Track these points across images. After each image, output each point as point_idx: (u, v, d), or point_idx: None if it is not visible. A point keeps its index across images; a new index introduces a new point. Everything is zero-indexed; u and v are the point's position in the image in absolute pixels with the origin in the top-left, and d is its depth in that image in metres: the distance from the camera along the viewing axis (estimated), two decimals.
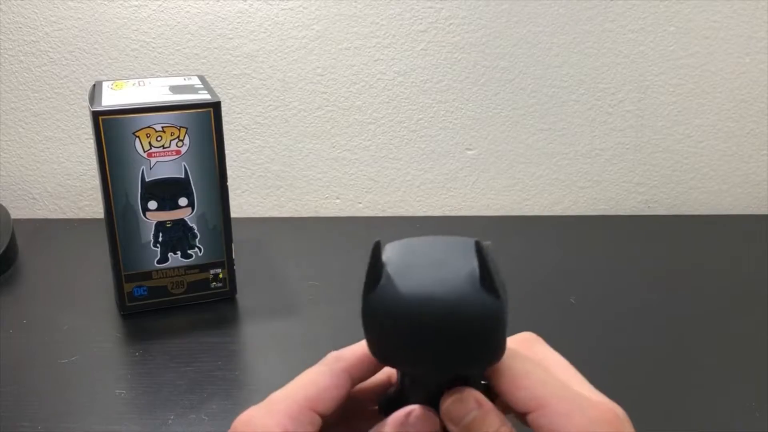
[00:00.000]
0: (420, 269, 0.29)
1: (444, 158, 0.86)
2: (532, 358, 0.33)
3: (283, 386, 0.32)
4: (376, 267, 0.29)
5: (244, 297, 0.66)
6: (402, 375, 0.33)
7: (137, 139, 0.58)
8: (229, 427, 0.32)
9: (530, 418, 0.30)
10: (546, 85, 0.83)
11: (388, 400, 0.33)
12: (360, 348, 0.34)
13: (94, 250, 0.71)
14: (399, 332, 0.29)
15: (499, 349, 0.30)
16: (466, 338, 0.29)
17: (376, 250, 0.29)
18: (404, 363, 0.31)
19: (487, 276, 0.29)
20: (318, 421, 0.31)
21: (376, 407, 0.34)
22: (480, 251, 0.28)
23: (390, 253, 0.31)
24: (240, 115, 0.83)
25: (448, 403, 0.31)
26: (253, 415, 0.31)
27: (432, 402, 0.32)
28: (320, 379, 0.32)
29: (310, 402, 0.31)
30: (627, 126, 0.86)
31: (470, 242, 0.30)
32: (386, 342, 0.31)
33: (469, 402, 0.31)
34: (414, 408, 0.32)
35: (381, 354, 0.31)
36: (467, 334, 0.29)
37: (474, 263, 0.29)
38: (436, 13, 0.80)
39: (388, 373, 0.36)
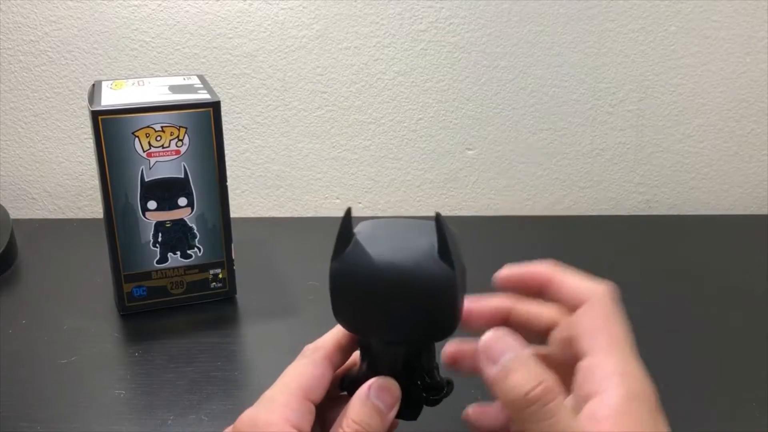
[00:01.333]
0: (385, 240, 0.32)
1: (444, 158, 0.86)
2: (617, 313, 0.33)
3: (272, 385, 0.34)
4: (345, 234, 0.32)
5: (243, 297, 0.66)
6: (363, 353, 0.35)
7: (137, 139, 0.58)
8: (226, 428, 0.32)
9: (585, 363, 0.31)
10: (546, 84, 0.83)
11: (351, 381, 0.36)
12: (333, 335, 0.36)
13: (93, 250, 0.70)
14: (360, 296, 0.32)
15: (453, 318, 0.32)
16: (421, 303, 0.31)
17: (347, 217, 0.32)
18: (364, 327, 0.34)
19: (443, 247, 0.31)
20: (313, 409, 0.33)
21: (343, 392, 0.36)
22: (439, 223, 0.31)
23: (361, 228, 0.33)
24: (240, 115, 0.83)
25: (486, 339, 0.31)
26: (255, 415, 0.32)
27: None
28: (307, 370, 0.34)
29: (304, 392, 0.33)
30: (627, 126, 0.85)
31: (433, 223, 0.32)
32: (349, 306, 0.33)
33: (508, 341, 0.31)
34: (373, 380, 0.33)
35: (345, 318, 0.34)
36: (422, 299, 0.31)
37: (434, 239, 0.31)
38: (436, 13, 0.80)
39: (354, 360, 0.37)
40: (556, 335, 0.36)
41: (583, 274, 0.34)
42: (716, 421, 0.50)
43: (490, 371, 0.30)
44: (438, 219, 0.31)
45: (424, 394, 0.35)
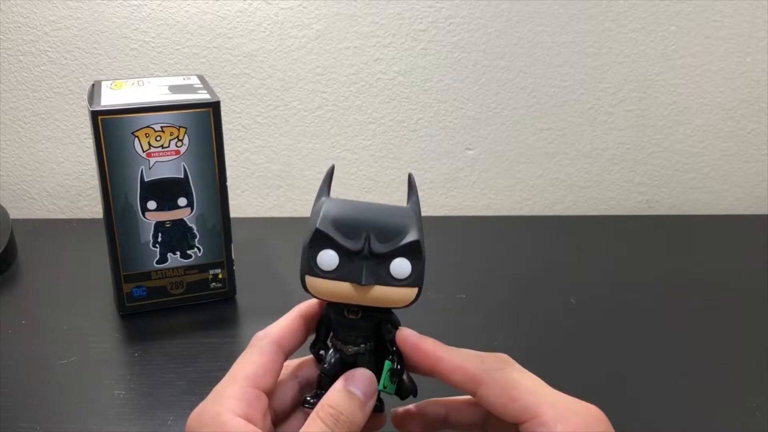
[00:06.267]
0: (358, 202, 0.35)
1: (444, 158, 0.86)
2: (517, 367, 0.33)
3: (226, 375, 0.34)
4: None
5: (243, 297, 0.66)
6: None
7: (136, 139, 0.58)
8: None
9: (524, 427, 0.31)
10: (546, 84, 0.83)
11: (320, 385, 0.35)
12: (284, 320, 0.36)
13: (93, 251, 0.70)
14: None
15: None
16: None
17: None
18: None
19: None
20: (263, 397, 0.33)
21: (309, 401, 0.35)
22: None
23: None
24: (239, 115, 0.83)
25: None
26: (202, 410, 0.32)
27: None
28: (253, 358, 0.34)
29: (250, 381, 0.33)
30: (628, 126, 0.85)
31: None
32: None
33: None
34: (348, 372, 0.34)
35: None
36: None
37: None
38: (436, 13, 0.80)
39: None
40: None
41: (469, 352, 0.34)
42: (716, 421, 0.50)
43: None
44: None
45: (398, 366, 0.35)
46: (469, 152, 0.86)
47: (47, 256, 0.75)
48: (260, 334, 0.35)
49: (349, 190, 0.86)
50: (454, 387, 0.33)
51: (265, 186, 0.86)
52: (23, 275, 0.71)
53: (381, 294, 0.33)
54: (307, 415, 0.33)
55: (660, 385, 0.54)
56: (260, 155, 0.85)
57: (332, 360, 0.35)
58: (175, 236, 0.61)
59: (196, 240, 0.62)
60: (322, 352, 0.36)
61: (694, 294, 0.68)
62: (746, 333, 0.61)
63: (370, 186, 0.86)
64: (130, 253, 0.61)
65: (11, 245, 0.73)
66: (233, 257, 0.64)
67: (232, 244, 0.64)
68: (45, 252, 0.76)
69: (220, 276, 0.64)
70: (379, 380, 0.34)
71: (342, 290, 0.33)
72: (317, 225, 0.33)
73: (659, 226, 0.84)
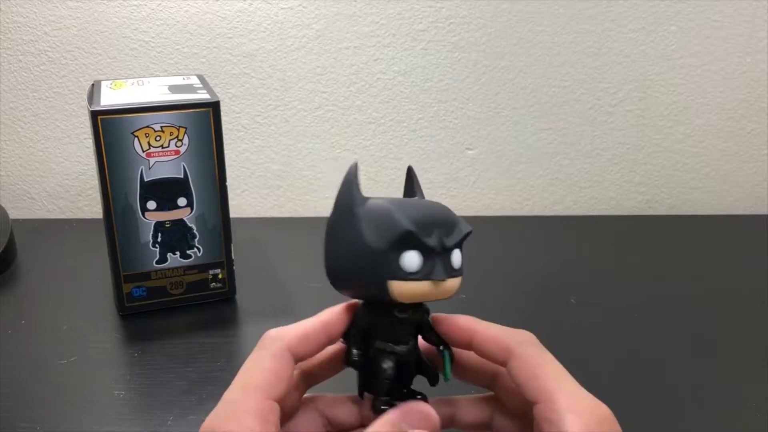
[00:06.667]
0: (406, 200, 0.34)
1: (444, 158, 0.86)
2: (544, 348, 0.33)
3: (234, 380, 0.32)
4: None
5: (243, 297, 0.66)
6: (358, 338, 0.34)
7: (136, 139, 0.57)
8: None
9: (538, 408, 0.31)
10: (546, 84, 0.83)
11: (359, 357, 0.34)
12: (303, 326, 0.33)
13: (92, 251, 0.70)
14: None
15: (325, 260, 0.32)
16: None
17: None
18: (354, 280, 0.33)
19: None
20: (276, 408, 0.31)
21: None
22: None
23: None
24: (239, 115, 0.83)
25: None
26: (215, 423, 0.30)
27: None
28: (265, 364, 0.32)
29: (264, 391, 0.31)
30: (628, 125, 0.85)
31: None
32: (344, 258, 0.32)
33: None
34: (405, 405, 0.32)
35: (335, 275, 0.33)
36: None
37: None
38: (436, 12, 0.80)
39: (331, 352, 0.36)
40: (501, 385, 0.36)
41: (501, 326, 0.34)
42: (716, 421, 0.50)
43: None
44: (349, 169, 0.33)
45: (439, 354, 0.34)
46: (469, 152, 0.86)
47: (47, 256, 0.75)
48: (272, 334, 0.33)
49: None
50: (486, 358, 0.34)
51: (265, 186, 0.86)
52: (23, 275, 0.71)
53: (448, 287, 0.32)
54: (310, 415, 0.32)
55: (660, 385, 0.54)
56: (260, 155, 0.85)
57: (390, 365, 0.33)
58: (174, 236, 0.61)
59: (196, 240, 0.62)
60: (356, 358, 0.34)
61: (694, 294, 0.68)
62: (746, 333, 0.61)
63: (370, 186, 0.86)
64: (129, 253, 0.61)
65: (11, 245, 0.73)
66: (233, 257, 0.64)
67: (232, 244, 0.64)
68: (45, 252, 0.76)
69: (220, 276, 0.64)
70: (440, 373, 0.34)
71: (423, 290, 0.32)
72: (406, 227, 0.31)
73: (659, 226, 0.84)
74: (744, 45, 0.82)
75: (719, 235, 0.81)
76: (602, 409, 0.31)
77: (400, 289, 0.31)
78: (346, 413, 0.36)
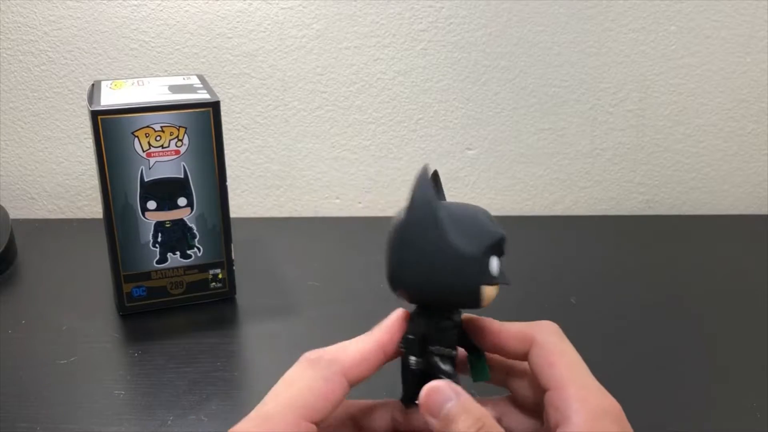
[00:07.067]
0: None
1: (444, 158, 0.86)
2: (566, 339, 0.33)
3: (274, 393, 0.30)
4: (435, 187, 0.33)
5: (243, 297, 0.66)
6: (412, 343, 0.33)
7: (136, 139, 0.57)
8: (227, 428, 0.32)
9: (548, 395, 0.31)
10: (547, 84, 0.83)
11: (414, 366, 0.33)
12: (355, 347, 0.32)
13: (93, 251, 0.70)
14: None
15: (394, 267, 0.32)
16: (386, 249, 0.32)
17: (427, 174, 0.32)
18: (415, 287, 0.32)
19: (409, 196, 0.32)
20: (314, 430, 0.30)
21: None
22: (418, 175, 0.32)
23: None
24: (239, 115, 0.83)
25: (423, 396, 0.31)
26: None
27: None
28: (315, 386, 0.30)
29: (306, 412, 0.29)
30: (628, 125, 0.85)
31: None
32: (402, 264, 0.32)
33: (445, 391, 0.30)
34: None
35: (396, 278, 0.32)
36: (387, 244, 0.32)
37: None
38: (436, 12, 0.80)
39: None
40: (514, 380, 0.36)
41: (521, 322, 0.35)
42: (716, 422, 0.50)
43: (434, 425, 0.30)
44: (419, 172, 0.32)
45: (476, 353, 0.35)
46: (469, 152, 0.86)
47: (47, 256, 0.75)
48: (329, 358, 0.31)
49: (348, 191, 0.86)
50: (508, 355, 0.34)
51: (265, 186, 0.86)
52: (23, 275, 0.71)
53: (497, 290, 0.33)
54: None
55: (660, 385, 0.54)
56: (260, 155, 0.85)
57: (451, 368, 0.33)
58: (175, 236, 0.61)
59: (196, 240, 0.62)
60: (414, 366, 0.33)
61: (695, 294, 0.68)
62: (746, 333, 0.61)
63: (370, 186, 0.86)
64: (130, 253, 0.61)
65: (11, 245, 0.73)
66: (233, 257, 0.64)
67: (232, 244, 0.64)
68: (45, 252, 0.76)
69: (220, 276, 0.64)
70: (478, 373, 0.35)
71: (495, 294, 0.32)
72: (502, 232, 0.31)
73: (659, 226, 0.84)
74: (744, 45, 0.82)
75: (719, 235, 0.81)
76: (609, 401, 0.31)
77: (488, 293, 0.32)
78: (378, 419, 0.35)
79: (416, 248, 0.31)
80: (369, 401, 0.36)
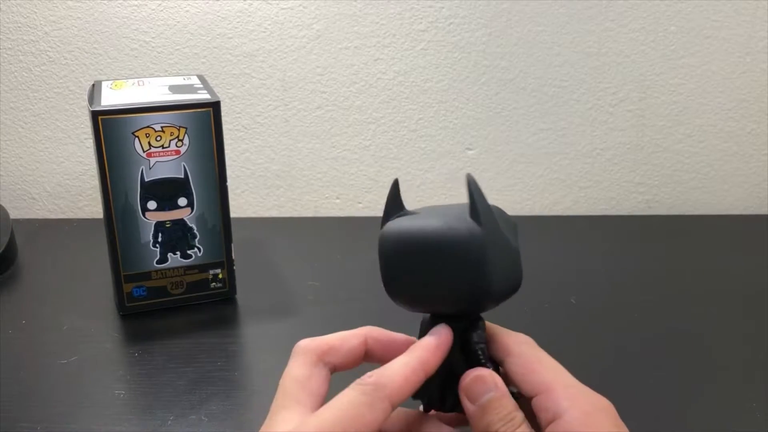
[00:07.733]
0: (426, 212, 0.35)
1: (444, 158, 0.86)
2: (543, 350, 0.34)
3: (319, 413, 0.30)
4: (391, 204, 0.36)
5: (243, 297, 0.66)
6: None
7: (136, 139, 0.58)
8: (227, 428, 0.31)
9: (536, 400, 0.32)
10: (546, 84, 0.83)
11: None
12: (401, 370, 0.31)
13: (93, 251, 0.70)
14: (402, 261, 0.33)
15: (489, 279, 0.32)
16: (456, 263, 0.32)
17: (395, 188, 0.35)
18: (411, 296, 0.34)
19: (472, 206, 0.33)
20: None
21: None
22: (470, 185, 0.33)
23: (411, 210, 0.36)
24: (240, 115, 0.83)
25: (467, 380, 0.33)
26: None
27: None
28: (363, 412, 0.29)
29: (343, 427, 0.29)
30: (628, 126, 0.85)
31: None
32: (395, 274, 0.34)
33: (488, 382, 0.32)
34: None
35: (391, 288, 0.34)
36: (456, 258, 0.32)
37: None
38: (436, 13, 0.80)
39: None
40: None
41: (498, 327, 0.35)
42: (716, 422, 0.50)
43: (470, 409, 0.32)
44: (468, 181, 0.33)
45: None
46: (469, 152, 0.86)
47: (47, 256, 0.75)
48: (376, 382, 0.30)
49: (349, 191, 0.86)
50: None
51: (265, 186, 0.86)
52: (23, 275, 0.71)
53: None
54: None
55: (659, 385, 0.54)
56: (260, 155, 0.85)
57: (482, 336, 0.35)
58: (175, 236, 0.61)
59: (197, 240, 0.62)
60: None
61: (694, 294, 0.68)
62: (746, 333, 0.61)
63: (370, 186, 0.86)
64: (130, 253, 0.61)
65: (11, 245, 0.73)
66: (233, 257, 0.64)
67: (232, 244, 0.64)
68: (45, 252, 0.76)
69: (220, 276, 0.64)
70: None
71: None
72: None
73: (659, 226, 0.84)
74: (744, 45, 0.82)
75: (719, 235, 0.81)
76: (601, 399, 0.31)
77: None
78: (394, 424, 0.36)
79: (499, 256, 0.33)
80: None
